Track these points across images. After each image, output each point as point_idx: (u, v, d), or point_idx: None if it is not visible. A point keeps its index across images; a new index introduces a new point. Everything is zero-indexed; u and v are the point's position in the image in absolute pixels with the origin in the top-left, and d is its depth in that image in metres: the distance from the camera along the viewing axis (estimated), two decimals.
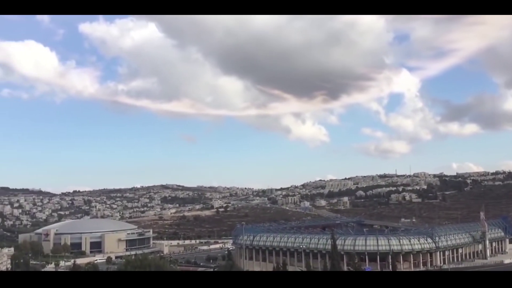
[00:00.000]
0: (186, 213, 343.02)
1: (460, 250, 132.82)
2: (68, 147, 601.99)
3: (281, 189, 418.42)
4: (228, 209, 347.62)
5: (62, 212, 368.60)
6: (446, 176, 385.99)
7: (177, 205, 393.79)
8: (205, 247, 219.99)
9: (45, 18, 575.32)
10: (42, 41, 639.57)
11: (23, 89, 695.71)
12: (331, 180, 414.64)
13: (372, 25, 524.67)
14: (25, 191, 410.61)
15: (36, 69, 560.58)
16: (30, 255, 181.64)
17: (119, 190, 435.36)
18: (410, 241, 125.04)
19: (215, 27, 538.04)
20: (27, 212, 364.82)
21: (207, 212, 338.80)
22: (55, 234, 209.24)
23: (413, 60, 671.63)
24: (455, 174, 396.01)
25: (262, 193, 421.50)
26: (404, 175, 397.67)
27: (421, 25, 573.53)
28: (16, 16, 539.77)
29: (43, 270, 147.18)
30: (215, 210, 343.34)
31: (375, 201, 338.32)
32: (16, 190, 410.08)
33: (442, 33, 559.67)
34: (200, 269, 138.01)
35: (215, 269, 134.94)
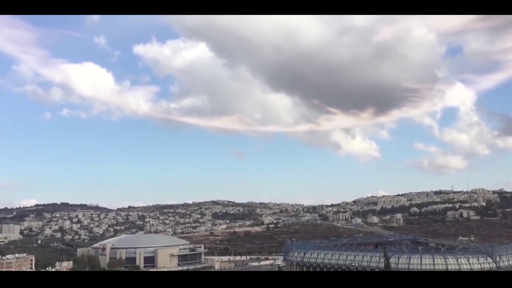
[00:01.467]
0: (236, 229, 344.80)
1: None
2: (124, 164, 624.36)
3: (332, 205, 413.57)
4: (279, 225, 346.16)
5: (117, 227, 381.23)
6: (507, 192, 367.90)
7: (228, 221, 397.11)
8: (255, 263, 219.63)
9: (102, 41, 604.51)
10: (100, 62, 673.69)
11: (81, 108, 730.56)
12: (383, 196, 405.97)
13: (423, 38, 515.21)
14: (83, 207, 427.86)
15: (94, 90, 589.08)
16: (87, 268, 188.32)
17: (172, 206, 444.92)
18: (468, 260, 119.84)
19: (263, 45, 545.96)
20: (85, 227, 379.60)
21: (258, 228, 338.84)
22: (111, 248, 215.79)
23: (467, 73, 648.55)
24: None
25: (313, 209, 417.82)
26: (461, 192, 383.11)
27: (474, 37, 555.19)
28: (75, 39, 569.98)
29: None
30: (266, 226, 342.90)
31: (430, 218, 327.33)
32: (75, 205, 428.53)
33: (497, 43, 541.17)
34: None
35: None
